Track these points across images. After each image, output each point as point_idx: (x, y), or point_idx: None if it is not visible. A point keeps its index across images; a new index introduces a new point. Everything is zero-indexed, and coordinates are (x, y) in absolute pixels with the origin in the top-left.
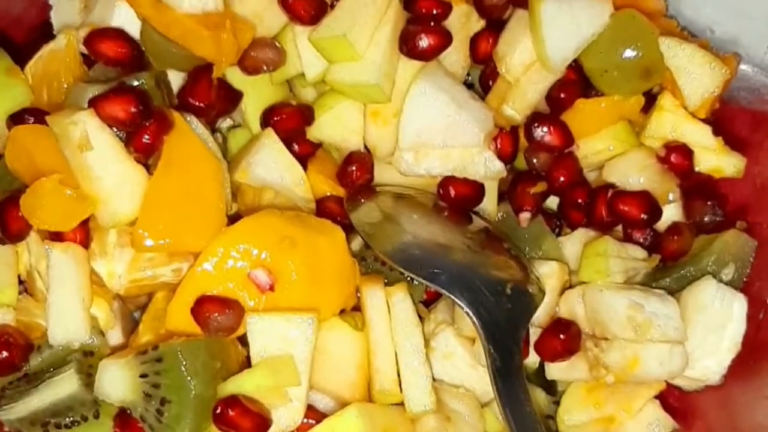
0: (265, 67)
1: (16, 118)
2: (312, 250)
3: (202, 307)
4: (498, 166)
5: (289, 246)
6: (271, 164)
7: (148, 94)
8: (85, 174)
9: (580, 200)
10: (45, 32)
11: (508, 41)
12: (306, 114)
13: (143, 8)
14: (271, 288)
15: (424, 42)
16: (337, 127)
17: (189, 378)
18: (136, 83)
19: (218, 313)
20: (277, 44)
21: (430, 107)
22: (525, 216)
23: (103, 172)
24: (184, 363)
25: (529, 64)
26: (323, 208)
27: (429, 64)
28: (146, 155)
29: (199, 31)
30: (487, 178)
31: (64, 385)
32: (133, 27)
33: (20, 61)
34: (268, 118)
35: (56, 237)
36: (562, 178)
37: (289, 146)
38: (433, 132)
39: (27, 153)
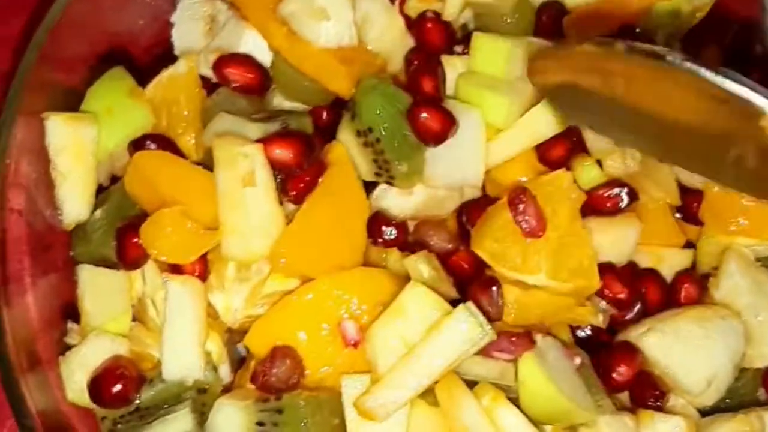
0: None
1: (137, 144)
2: None
3: None
4: None
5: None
6: None
7: (313, 140)
8: (234, 204)
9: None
10: (166, 50)
11: None
12: None
13: (277, 40)
14: (355, 345)
15: None
16: None
17: None
18: (295, 124)
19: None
20: None
21: None
22: None
23: (253, 209)
24: (305, 420)
25: None
26: None
27: None
28: (299, 199)
29: (334, 66)
30: None
31: (178, 425)
32: (260, 54)
33: (139, 80)
34: None
35: (175, 268)
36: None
37: None
38: None
39: (148, 180)
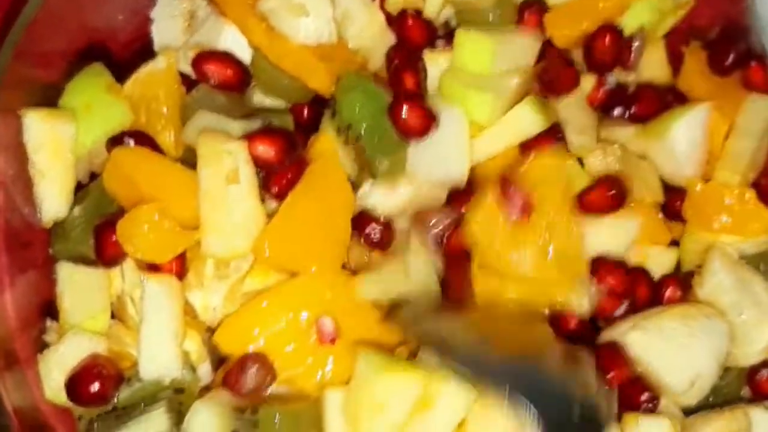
0: None
1: (115, 140)
2: None
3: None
4: None
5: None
6: None
7: (295, 137)
8: (216, 202)
9: None
10: (145, 46)
11: None
12: None
13: (256, 37)
14: (331, 342)
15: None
16: None
17: None
18: (277, 122)
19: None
20: None
21: None
22: None
23: (236, 206)
24: None
25: None
26: None
27: None
28: (281, 196)
29: (314, 63)
30: None
31: (154, 425)
32: (239, 50)
33: (117, 76)
34: None
35: (152, 266)
36: None
37: None
38: None
39: (127, 176)
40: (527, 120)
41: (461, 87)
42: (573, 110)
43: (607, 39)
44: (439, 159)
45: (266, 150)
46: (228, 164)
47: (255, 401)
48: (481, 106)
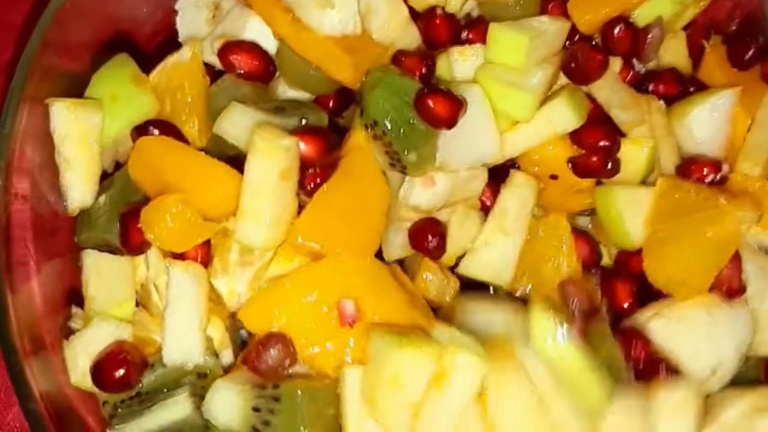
0: None
1: (140, 129)
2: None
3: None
4: None
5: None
6: None
7: (333, 136)
8: (262, 194)
9: None
10: (170, 37)
11: None
12: None
13: (281, 28)
14: (351, 324)
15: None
16: None
17: (302, 427)
18: (313, 119)
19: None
20: None
21: None
22: None
23: (279, 200)
24: (301, 410)
25: None
26: None
27: None
28: (313, 193)
29: (339, 54)
30: None
31: (177, 409)
32: (264, 41)
33: (143, 66)
34: None
35: (178, 254)
36: None
37: None
38: None
39: (151, 165)
40: (564, 117)
41: (498, 84)
42: (609, 91)
43: (618, 29)
44: (469, 141)
45: (307, 148)
46: (283, 160)
47: (274, 380)
48: (521, 104)
